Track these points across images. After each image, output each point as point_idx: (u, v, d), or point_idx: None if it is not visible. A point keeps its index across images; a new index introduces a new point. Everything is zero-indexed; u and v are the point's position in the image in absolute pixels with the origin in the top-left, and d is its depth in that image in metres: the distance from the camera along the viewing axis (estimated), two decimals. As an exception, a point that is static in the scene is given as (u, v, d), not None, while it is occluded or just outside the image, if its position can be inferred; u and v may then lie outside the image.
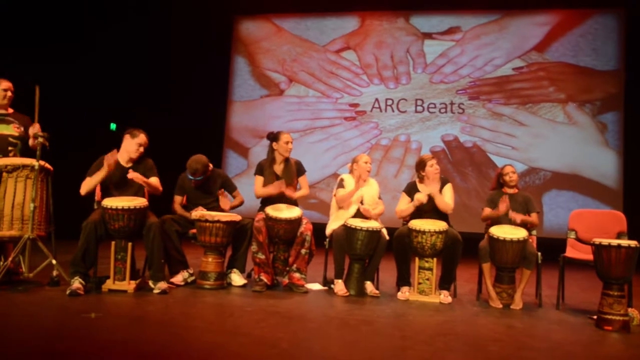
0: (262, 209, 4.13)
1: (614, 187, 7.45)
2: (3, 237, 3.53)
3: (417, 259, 3.93)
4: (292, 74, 8.73)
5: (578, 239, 4.13)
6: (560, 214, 7.46)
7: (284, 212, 3.98)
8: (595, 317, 3.40)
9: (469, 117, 8.03)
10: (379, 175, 7.88)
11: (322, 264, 4.36)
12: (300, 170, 4.34)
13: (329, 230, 4.18)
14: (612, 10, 7.68)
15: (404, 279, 4.01)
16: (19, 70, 4.48)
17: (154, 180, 3.92)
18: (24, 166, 3.58)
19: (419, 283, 3.92)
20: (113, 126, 7.70)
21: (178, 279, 3.96)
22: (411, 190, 4.22)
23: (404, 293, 3.93)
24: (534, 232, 4.17)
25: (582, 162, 7.58)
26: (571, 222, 4.24)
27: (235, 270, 4.07)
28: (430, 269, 3.91)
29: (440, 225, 3.88)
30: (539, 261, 3.86)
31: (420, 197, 4.03)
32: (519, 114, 7.88)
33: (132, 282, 3.64)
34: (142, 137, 3.88)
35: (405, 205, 4.19)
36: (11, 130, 3.84)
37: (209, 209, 4.09)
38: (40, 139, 3.61)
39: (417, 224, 3.88)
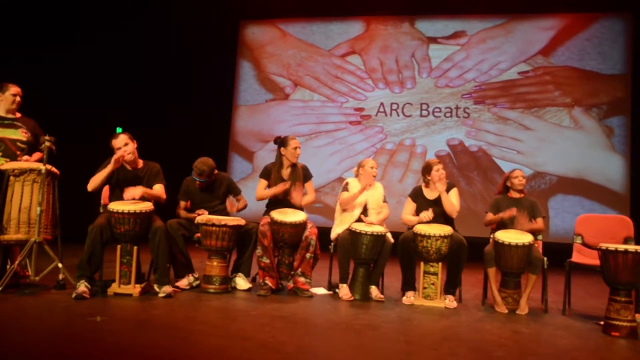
0: (267, 213, 4.14)
1: (621, 192, 7.40)
2: (10, 240, 3.56)
3: (422, 264, 3.92)
4: (297, 78, 8.75)
5: (584, 244, 4.11)
6: (566, 219, 7.41)
7: (289, 216, 3.98)
8: (602, 322, 3.37)
9: (474, 121, 8.01)
10: (384, 180, 7.85)
11: (326, 268, 4.35)
12: (307, 175, 4.35)
13: (333, 235, 4.18)
14: (618, 14, 7.64)
15: (408, 284, 4.00)
16: (19, 70, 4.50)
17: (157, 189, 3.88)
18: (31, 170, 3.61)
19: (424, 288, 3.91)
20: (119, 130, 7.72)
21: (183, 283, 3.97)
22: (416, 195, 4.22)
23: (409, 298, 3.92)
24: (540, 237, 4.14)
25: (589, 167, 7.53)
26: (577, 227, 4.22)
27: (240, 274, 4.08)
28: (435, 274, 3.90)
29: (446, 229, 3.87)
30: (545, 266, 3.84)
31: (426, 216, 4.00)
32: (524, 118, 7.85)
33: (138, 285, 3.65)
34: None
35: (409, 213, 4.19)
36: (19, 135, 3.88)
37: (213, 212, 4.10)
38: (47, 143, 3.63)
39: (422, 228, 3.88)
